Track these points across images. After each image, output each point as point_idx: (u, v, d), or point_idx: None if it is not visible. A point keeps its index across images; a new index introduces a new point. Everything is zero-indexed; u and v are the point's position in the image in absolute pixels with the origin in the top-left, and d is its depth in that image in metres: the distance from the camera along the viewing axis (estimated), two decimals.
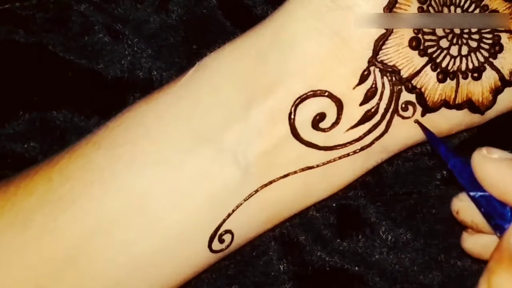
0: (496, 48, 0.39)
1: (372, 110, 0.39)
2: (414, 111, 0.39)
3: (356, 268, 0.46)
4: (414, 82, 0.39)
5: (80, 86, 0.47)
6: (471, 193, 0.36)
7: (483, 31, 0.39)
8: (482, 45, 0.39)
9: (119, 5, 0.47)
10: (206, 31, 0.47)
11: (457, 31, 0.39)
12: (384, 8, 0.38)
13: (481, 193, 0.36)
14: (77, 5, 0.47)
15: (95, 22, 0.47)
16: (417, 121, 0.39)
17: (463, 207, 0.38)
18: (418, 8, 0.38)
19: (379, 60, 0.38)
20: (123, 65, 0.47)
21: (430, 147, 0.41)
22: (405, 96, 0.39)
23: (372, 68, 0.38)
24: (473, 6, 0.39)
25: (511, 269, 0.33)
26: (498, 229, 0.35)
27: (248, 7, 0.46)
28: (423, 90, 0.39)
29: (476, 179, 0.36)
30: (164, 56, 0.47)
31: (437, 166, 0.46)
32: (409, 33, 0.38)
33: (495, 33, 0.40)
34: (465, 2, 0.39)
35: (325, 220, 0.46)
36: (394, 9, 0.38)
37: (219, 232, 0.40)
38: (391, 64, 0.38)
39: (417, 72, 0.39)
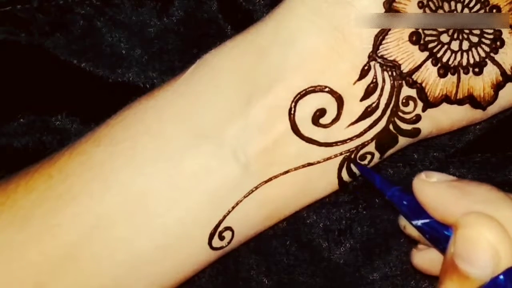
0: (497, 43, 0.39)
1: (373, 105, 0.39)
2: (415, 106, 0.39)
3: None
4: (414, 77, 0.39)
5: (80, 89, 0.47)
6: (413, 222, 0.37)
7: None
8: (483, 40, 0.39)
9: (120, 8, 0.47)
10: (206, 35, 0.47)
11: None
12: (383, 3, 0.38)
13: (423, 221, 0.36)
14: (78, 8, 0.47)
15: (96, 25, 0.47)
16: (350, 159, 0.39)
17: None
18: (418, 3, 0.38)
19: (379, 55, 0.38)
20: (124, 68, 0.47)
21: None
22: (406, 91, 0.39)
23: (372, 63, 0.38)
24: (474, 0, 0.39)
25: (455, 277, 0.34)
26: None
27: (248, 11, 0.47)
28: (424, 85, 0.39)
29: (416, 206, 0.37)
30: (165, 60, 0.47)
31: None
32: (409, 28, 0.38)
33: (496, 28, 0.40)
34: None
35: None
36: (394, 4, 0.38)
37: (219, 229, 0.40)
38: (391, 59, 0.39)
39: (418, 67, 0.39)
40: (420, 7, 0.38)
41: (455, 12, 0.39)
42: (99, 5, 0.47)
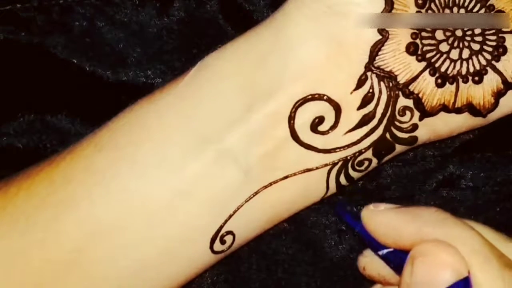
0: (500, 50, 0.39)
1: (370, 114, 0.39)
2: (412, 116, 0.39)
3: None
4: (411, 87, 0.39)
5: (81, 89, 0.47)
6: (379, 252, 0.38)
7: (487, 32, 0.39)
8: (485, 47, 0.39)
9: (121, 8, 0.47)
10: (206, 35, 0.47)
11: (458, 33, 0.39)
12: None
13: (387, 250, 0.38)
14: (79, 8, 0.47)
15: (96, 25, 0.47)
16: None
17: (368, 262, 0.40)
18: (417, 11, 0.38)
19: (375, 65, 0.38)
20: (124, 68, 0.47)
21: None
22: (403, 101, 0.39)
23: (369, 74, 0.39)
24: (478, 6, 0.39)
25: None
26: None
27: (249, 11, 0.47)
28: (420, 95, 0.39)
29: None
30: (165, 60, 0.47)
31: (435, 170, 0.47)
32: (406, 39, 0.39)
33: (500, 35, 0.39)
34: (469, 3, 0.39)
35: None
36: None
37: (220, 233, 0.40)
38: (387, 69, 0.39)
39: (415, 78, 0.39)
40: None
41: (455, 12, 0.39)
42: (99, 4, 0.47)
